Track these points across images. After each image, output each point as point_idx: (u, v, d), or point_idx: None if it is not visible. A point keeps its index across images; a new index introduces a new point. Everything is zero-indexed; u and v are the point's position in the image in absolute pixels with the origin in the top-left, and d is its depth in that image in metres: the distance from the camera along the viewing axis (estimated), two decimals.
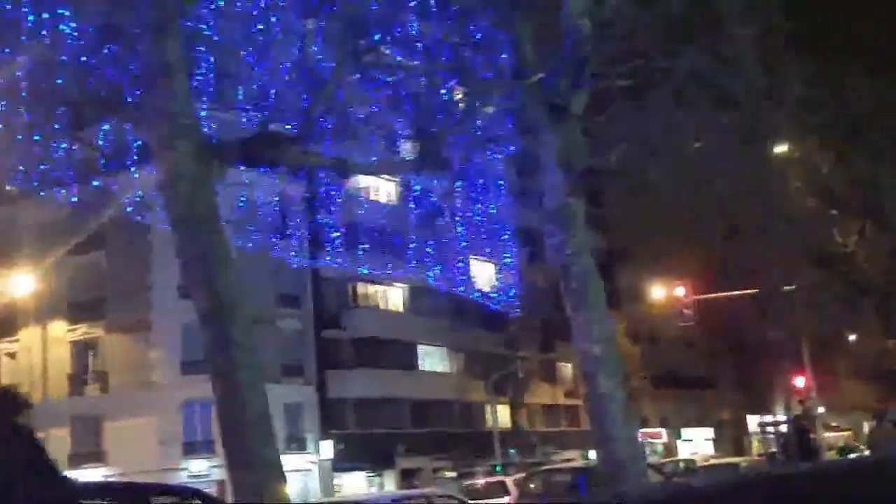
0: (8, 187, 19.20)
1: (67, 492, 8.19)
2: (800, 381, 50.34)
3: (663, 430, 73.93)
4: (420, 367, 59.50)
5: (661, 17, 16.58)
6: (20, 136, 15.50)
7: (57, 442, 49.44)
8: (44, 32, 14.87)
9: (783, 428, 65.58)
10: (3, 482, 7.60)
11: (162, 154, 14.47)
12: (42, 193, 17.61)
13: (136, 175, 16.24)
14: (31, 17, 14.76)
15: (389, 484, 53.15)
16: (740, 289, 48.84)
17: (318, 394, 51.90)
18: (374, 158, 17.69)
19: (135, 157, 15.93)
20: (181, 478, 44.82)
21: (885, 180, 39.94)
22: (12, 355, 52.21)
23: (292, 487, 14.51)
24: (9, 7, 14.76)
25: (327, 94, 15.91)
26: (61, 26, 14.88)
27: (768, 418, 71.76)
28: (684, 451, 70.26)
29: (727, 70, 16.94)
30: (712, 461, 49.95)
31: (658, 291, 52.85)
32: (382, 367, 54.46)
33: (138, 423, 47.60)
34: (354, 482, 51.77)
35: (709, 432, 79.15)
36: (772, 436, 70.58)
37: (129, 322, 49.35)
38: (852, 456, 37.96)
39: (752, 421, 77.18)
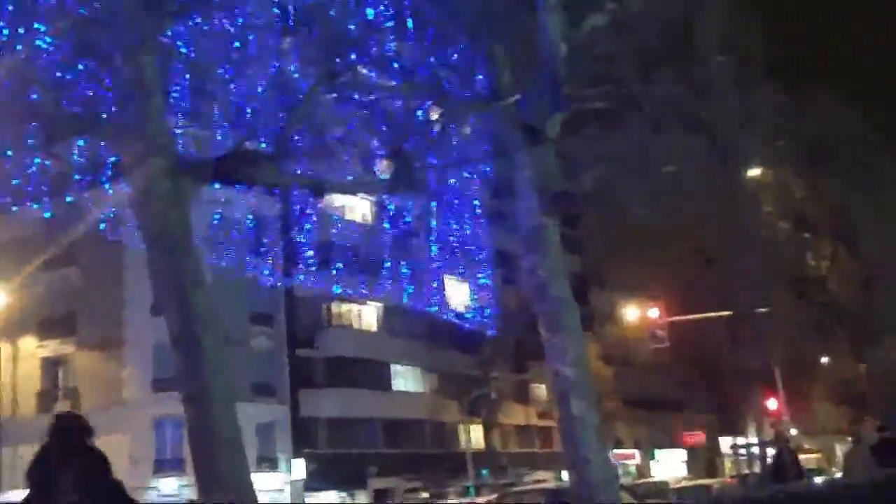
0: None
1: None
2: (772, 404, 50.59)
3: (636, 452, 74.06)
4: (393, 387, 59.37)
5: (637, 43, 16.69)
6: None
7: (25, 459, 49.00)
8: (19, 47, 14.79)
9: (755, 449, 65.96)
10: (78, 501, 7.96)
11: (135, 171, 14.41)
12: (14, 209, 17.44)
13: (110, 192, 16.15)
14: (5, 32, 14.67)
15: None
16: (714, 312, 49.07)
17: (291, 413, 51.70)
18: (349, 178, 17.65)
19: (109, 174, 15.84)
20: (151, 497, 44.50)
21: (857, 205, 40.33)
22: None
23: None
24: None
25: (303, 113, 15.90)
26: (37, 41, 14.80)
27: (741, 440, 72.07)
28: (657, 472, 70.35)
29: (702, 96, 17.05)
30: (685, 483, 50.06)
31: (632, 314, 53.05)
32: (356, 387, 54.32)
33: (109, 441, 46.87)
34: (327, 502, 51.51)
35: (682, 454, 79.32)
36: (744, 458, 70.87)
37: (100, 339, 49.04)
38: (818, 479, 38.06)
39: (725, 443, 77.47)
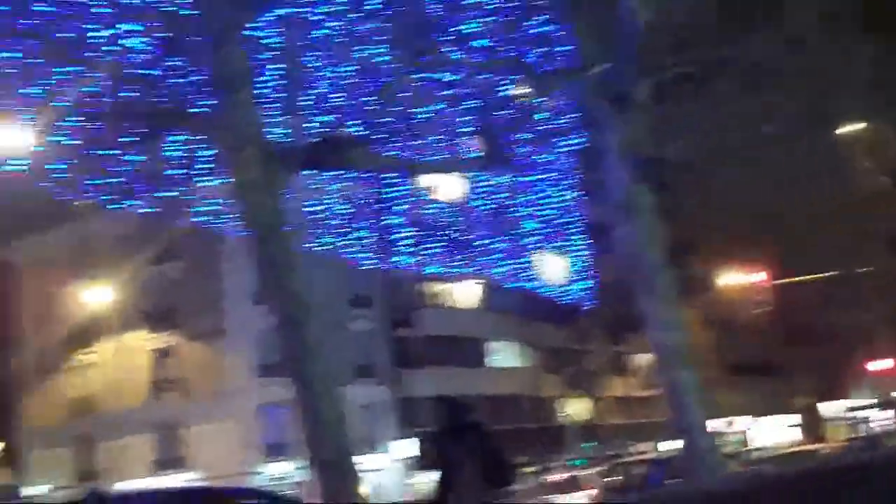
0: (83, 201, 19.57)
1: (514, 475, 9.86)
2: (882, 365, 49.47)
3: (740, 419, 73.08)
4: (492, 364, 59.51)
5: (723, 3, 16.43)
6: (93, 151, 15.83)
7: (138, 449, 50.43)
8: (113, 48, 15.15)
9: (866, 413, 64.51)
10: (466, 468, 9.13)
11: (230, 163, 14.71)
12: (116, 206, 17.93)
13: (207, 185, 16.48)
14: (102, 34, 15.04)
15: None
16: (814, 273, 48.12)
17: (392, 393, 52.13)
18: (439, 157, 17.74)
19: (204, 167, 16.17)
20: (260, 481, 45.34)
21: None
22: (93, 365, 53.21)
23: (368, 487, 14.78)
24: (79, 25, 15.05)
25: (390, 96, 16.03)
26: (129, 42, 15.15)
27: (856, 402, 70.34)
28: (762, 439, 69.37)
29: (792, 54, 16.72)
30: (791, 449, 49.31)
31: (732, 278, 52.26)
32: (455, 365, 54.57)
33: (217, 428, 48.32)
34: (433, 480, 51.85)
35: (787, 420, 78.05)
36: (854, 422, 69.31)
37: (204, 329, 50.03)
38: None
39: (831, 407, 75.97)
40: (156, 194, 17.20)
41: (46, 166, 16.12)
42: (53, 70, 14.99)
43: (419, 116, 17.14)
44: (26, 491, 46.58)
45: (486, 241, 24.32)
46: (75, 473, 50.72)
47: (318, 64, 16.46)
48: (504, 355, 61.18)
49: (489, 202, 21.17)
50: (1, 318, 52.89)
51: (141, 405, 51.12)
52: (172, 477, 46.61)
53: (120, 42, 15.08)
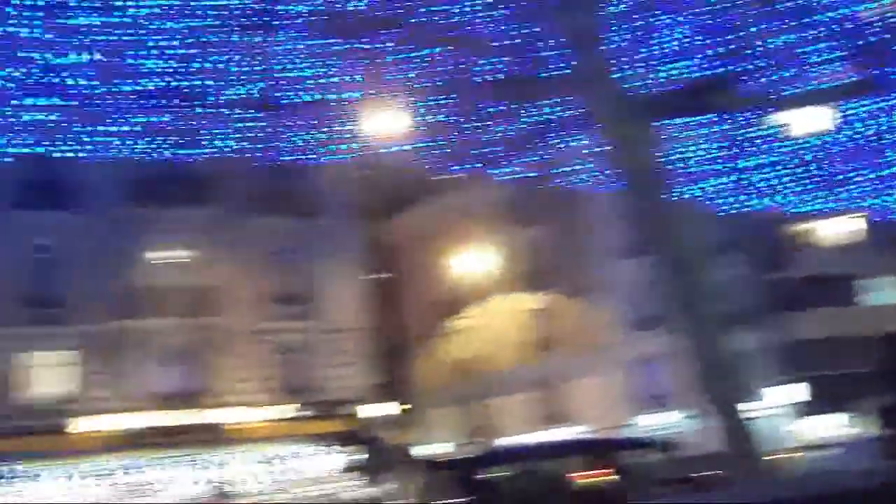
0: (456, 174, 20.64)
1: None
2: None
3: None
4: (873, 302, 56.69)
5: None
6: (464, 124, 16.71)
7: (522, 405, 52.48)
8: (469, 24, 15.87)
9: None
10: None
11: (598, 120, 15.07)
12: (488, 174, 18.84)
13: (575, 145, 16.95)
14: (455, 12, 15.81)
15: (864, 425, 51.12)
16: None
17: (770, 338, 50.96)
18: (805, 88, 17.15)
19: (572, 128, 16.62)
20: (640, 432, 45.93)
21: None
22: (474, 328, 55.78)
23: (756, 433, 14.76)
24: (432, 8, 15.88)
25: (744, 33, 15.72)
26: (481, 16, 15.83)
27: None
28: None
29: None
30: None
31: None
32: (831, 305, 52.55)
33: (595, 383, 49.37)
34: (822, 425, 50.24)
35: None
36: None
37: (578, 287, 51.20)
38: None
39: None
40: (525, 159, 17.89)
41: (420, 144, 17.20)
42: (417, 53, 15.93)
43: (778, 48, 16.65)
44: (422, 450, 49.63)
45: (857, 174, 23.23)
46: (465, 431, 53.62)
47: (667, 10, 16.41)
48: (886, 292, 58.01)
49: (858, 131, 20.17)
50: (387, 290, 56.57)
51: (521, 364, 53.11)
52: (556, 431, 48.22)
53: (473, 17, 15.78)
